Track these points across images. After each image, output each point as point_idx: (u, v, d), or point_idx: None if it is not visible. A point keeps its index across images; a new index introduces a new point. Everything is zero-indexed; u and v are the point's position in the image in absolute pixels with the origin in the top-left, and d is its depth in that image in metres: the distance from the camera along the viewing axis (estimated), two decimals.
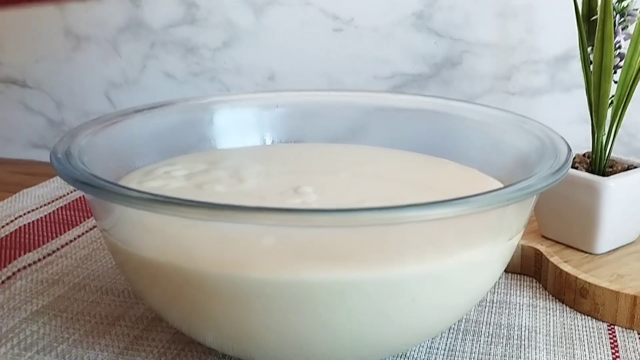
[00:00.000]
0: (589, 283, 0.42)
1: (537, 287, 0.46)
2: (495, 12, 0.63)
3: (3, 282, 0.46)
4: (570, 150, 0.36)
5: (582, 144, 0.49)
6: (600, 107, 0.45)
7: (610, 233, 0.46)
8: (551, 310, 0.43)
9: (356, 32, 0.67)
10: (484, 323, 0.41)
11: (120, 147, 0.42)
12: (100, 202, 0.32)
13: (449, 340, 0.39)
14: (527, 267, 0.47)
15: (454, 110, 0.46)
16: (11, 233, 0.54)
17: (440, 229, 0.31)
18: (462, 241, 0.31)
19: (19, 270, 0.48)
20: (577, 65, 0.47)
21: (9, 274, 0.47)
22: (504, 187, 0.30)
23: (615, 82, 0.45)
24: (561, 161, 0.33)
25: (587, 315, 0.42)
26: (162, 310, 0.34)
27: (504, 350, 0.39)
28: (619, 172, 0.47)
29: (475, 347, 0.39)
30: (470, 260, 0.32)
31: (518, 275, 0.47)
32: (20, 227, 0.54)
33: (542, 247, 0.47)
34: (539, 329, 0.41)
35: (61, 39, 0.74)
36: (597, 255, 0.47)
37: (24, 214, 0.57)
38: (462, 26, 0.64)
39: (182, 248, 0.30)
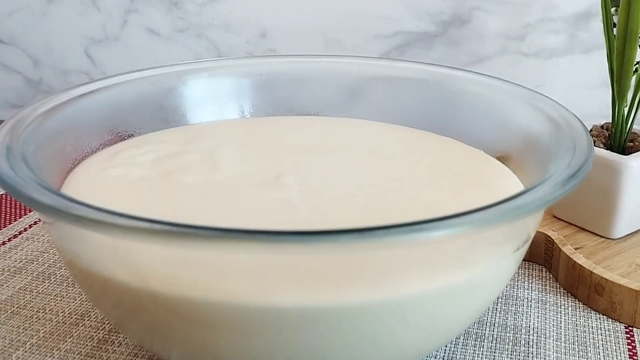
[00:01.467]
0: (605, 279, 0.38)
1: (547, 277, 0.42)
2: None
3: None
4: (591, 139, 0.31)
5: (603, 111, 0.44)
6: (624, 75, 0.41)
7: (629, 216, 0.42)
8: (562, 307, 0.39)
9: None
10: (488, 324, 0.37)
11: (80, 126, 0.37)
12: None
13: (448, 346, 0.35)
14: (537, 254, 0.43)
15: (459, 82, 0.41)
16: None
17: (433, 247, 0.26)
18: (459, 258, 0.27)
19: None
20: (599, 23, 0.42)
21: None
22: (512, 198, 0.25)
23: None
24: (581, 158, 0.28)
25: (603, 315, 0.38)
26: (119, 325, 0.30)
27: (509, 359, 0.34)
28: None
29: (478, 356, 0.35)
30: (470, 279, 0.27)
31: (526, 263, 0.43)
32: None
33: (554, 233, 0.42)
34: (549, 332, 0.37)
35: None
36: (614, 240, 0.42)
37: None
38: None
39: (131, 265, 0.26)
